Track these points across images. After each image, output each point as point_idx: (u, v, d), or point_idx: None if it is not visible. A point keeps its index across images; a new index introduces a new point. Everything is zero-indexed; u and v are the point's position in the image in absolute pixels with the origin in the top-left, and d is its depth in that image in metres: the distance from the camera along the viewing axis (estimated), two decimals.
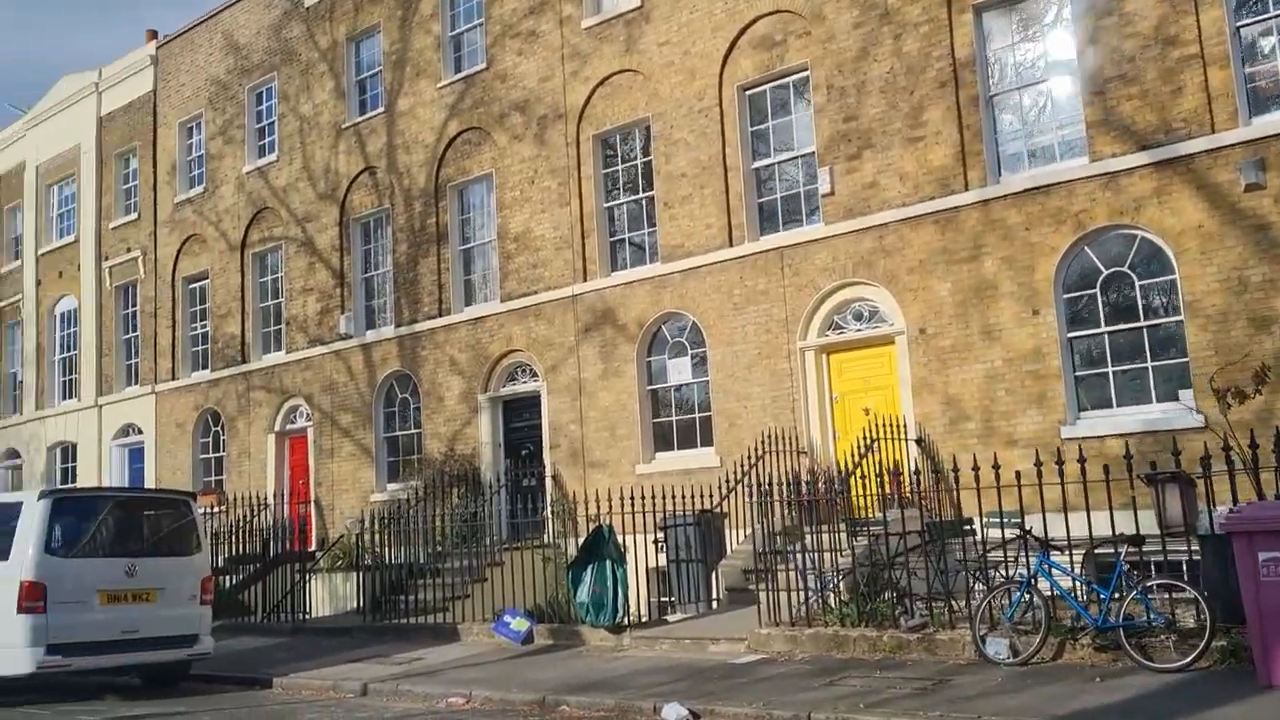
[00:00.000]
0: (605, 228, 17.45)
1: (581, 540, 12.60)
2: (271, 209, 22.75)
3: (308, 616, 16.50)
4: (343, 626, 15.44)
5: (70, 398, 27.76)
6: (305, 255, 21.86)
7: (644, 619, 13.17)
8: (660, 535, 13.05)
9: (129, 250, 26.06)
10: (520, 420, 18.37)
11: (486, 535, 16.52)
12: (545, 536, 16.09)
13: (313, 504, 21.01)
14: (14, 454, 29.17)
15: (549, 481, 17.28)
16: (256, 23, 23.48)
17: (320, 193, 21.68)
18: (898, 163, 14.10)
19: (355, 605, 16.56)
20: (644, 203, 17.01)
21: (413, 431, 19.81)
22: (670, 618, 13.00)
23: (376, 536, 16.05)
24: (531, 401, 18.09)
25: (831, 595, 10.88)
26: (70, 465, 27.29)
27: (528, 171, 18.22)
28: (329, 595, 17.40)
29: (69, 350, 28.09)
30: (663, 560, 13.41)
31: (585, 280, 17.27)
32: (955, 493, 10.46)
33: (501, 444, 18.45)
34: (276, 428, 22.18)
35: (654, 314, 16.42)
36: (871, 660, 9.64)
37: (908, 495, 12.05)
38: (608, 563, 11.97)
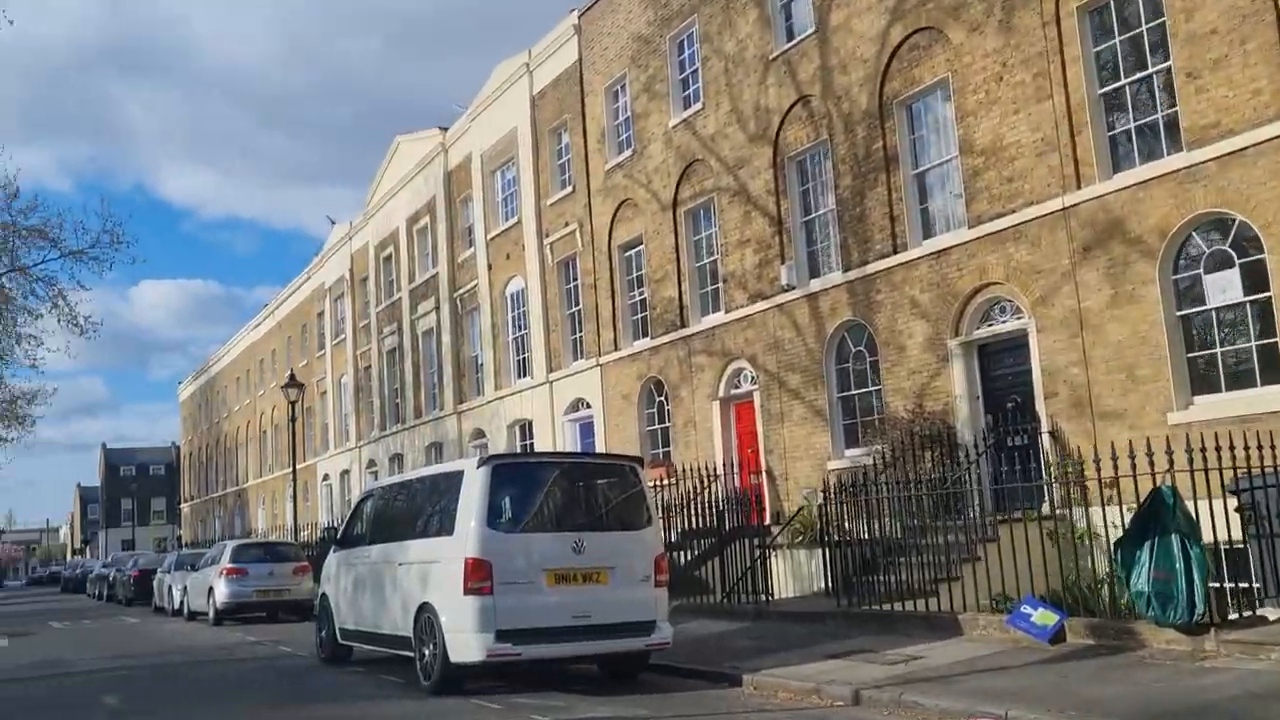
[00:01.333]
0: (1101, 119, 13.90)
1: (1133, 510, 9.46)
2: (700, 161, 21.28)
3: (770, 598, 14.63)
4: (812, 611, 13.36)
5: (524, 376, 28.31)
6: (739, 205, 20.13)
7: (1229, 616, 9.72)
8: (1240, 498, 9.55)
9: (566, 225, 25.91)
10: (1002, 367, 15.31)
11: (969, 505, 13.71)
12: (1045, 506, 13.00)
13: (764, 474, 19.26)
14: (480, 434, 30.39)
15: (1045, 439, 14.10)
16: None
17: (750, 134, 19.83)
18: None
19: (821, 586, 14.48)
20: (1154, 79, 13.30)
21: (870, 389, 17.37)
22: (1270, 614, 9.47)
23: (841, 508, 13.84)
24: (1014, 343, 14.97)
25: None
26: (528, 443, 27.80)
27: (993, 68, 15.07)
28: (791, 574, 15.44)
29: (520, 330, 28.68)
30: (1223, 534, 9.91)
31: (1079, 187, 13.85)
32: None
33: (980, 396, 15.48)
34: (720, 393, 20.69)
35: (1180, 218, 12.69)
36: None
37: None
38: (1173, 538, 8.78)
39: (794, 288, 18.70)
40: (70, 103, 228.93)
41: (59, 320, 32.47)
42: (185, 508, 75.76)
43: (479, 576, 9.62)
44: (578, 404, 25.69)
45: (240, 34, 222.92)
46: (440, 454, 32.50)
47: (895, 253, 16.67)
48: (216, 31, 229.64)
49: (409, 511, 11.61)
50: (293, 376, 29.81)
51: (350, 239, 41.85)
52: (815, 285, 18.35)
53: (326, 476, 45.20)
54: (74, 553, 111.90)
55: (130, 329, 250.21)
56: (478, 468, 10.07)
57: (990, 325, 15.33)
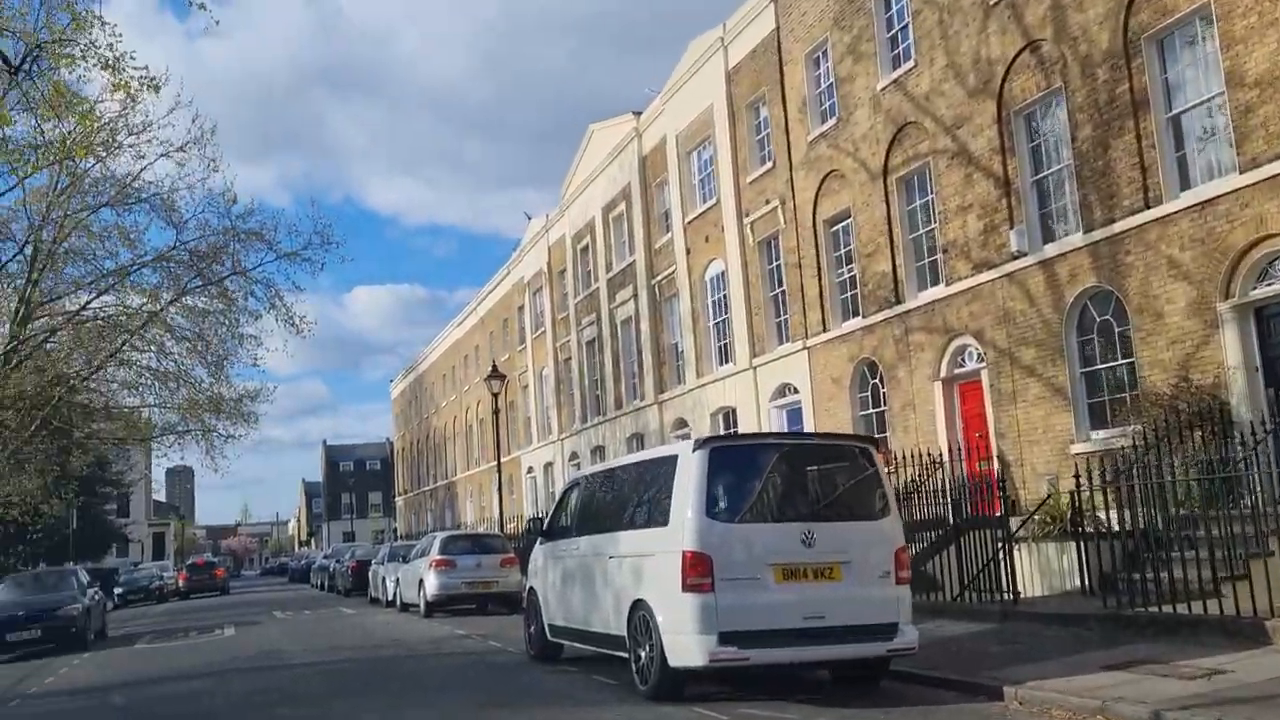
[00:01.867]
0: None
1: None
2: (913, 123, 19.69)
3: (1016, 596, 13.07)
4: (1069, 612, 11.76)
5: (726, 362, 27.31)
6: (959, 168, 18.46)
7: None
8: None
9: (767, 202, 24.73)
10: None
11: (1249, 493, 11.78)
12: None
13: (994, 459, 17.55)
14: (682, 424, 29.58)
15: None
16: None
17: (970, 89, 18.13)
18: None
19: (1075, 583, 12.84)
20: None
21: (1120, 363, 15.46)
22: None
23: (1094, 497, 12.18)
24: None
25: None
26: (732, 431, 26.77)
27: None
28: (1038, 570, 13.81)
29: (721, 314, 27.69)
30: None
31: None
32: None
33: (1259, 367, 13.42)
34: (942, 373, 19.08)
35: None
36: None
37: None
38: None
39: (1025, 254, 16.93)
40: (287, 122, 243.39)
41: (277, 320, 33.79)
42: (399, 501, 78.66)
43: (698, 572, 8.64)
44: (784, 389, 24.48)
45: (438, 49, 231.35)
46: (641, 445, 31.90)
47: (1148, 207, 14.72)
48: (417, 49, 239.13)
49: (618, 501, 10.76)
50: (495, 368, 29.82)
51: (547, 232, 41.92)
52: (1050, 250, 16.54)
53: (530, 469, 45.57)
54: (300, 544, 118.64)
55: (346, 333, 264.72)
56: (693, 451, 9.09)
57: (1270, 284, 13.25)
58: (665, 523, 9.15)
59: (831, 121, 22.26)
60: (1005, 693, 8.59)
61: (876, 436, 20.81)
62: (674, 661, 8.83)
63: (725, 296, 27.23)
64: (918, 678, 9.65)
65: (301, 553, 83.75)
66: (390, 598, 25.20)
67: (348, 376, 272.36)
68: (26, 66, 17.22)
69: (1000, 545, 13.53)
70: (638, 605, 9.48)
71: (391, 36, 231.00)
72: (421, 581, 21.36)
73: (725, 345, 27.49)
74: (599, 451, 36.27)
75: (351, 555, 35.31)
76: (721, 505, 8.96)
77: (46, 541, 46.27)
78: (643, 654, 9.36)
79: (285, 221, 34.48)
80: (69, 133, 31.54)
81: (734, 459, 9.30)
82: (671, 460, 9.41)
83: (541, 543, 12.76)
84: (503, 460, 48.46)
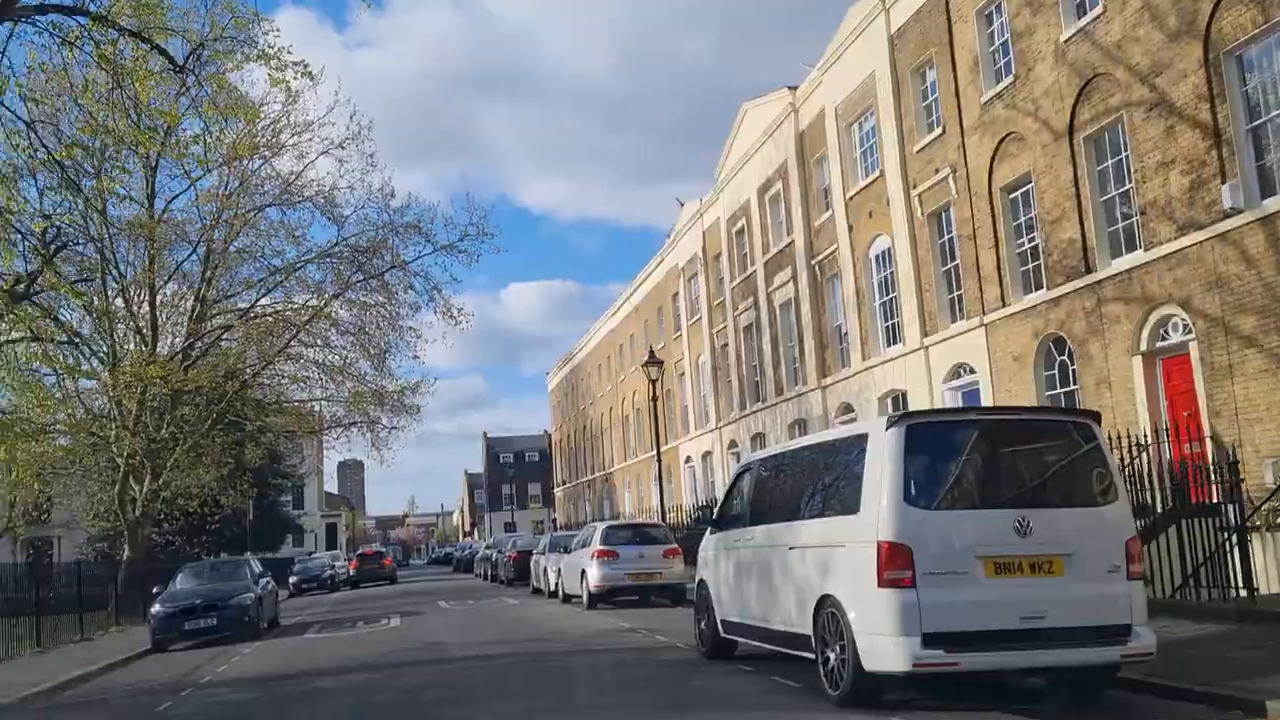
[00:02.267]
0: None
1: None
2: (1103, 74, 17.99)
3: (1254, 593, 11.54)
4: None
5: (895, 343, 25.93)
6: (1158, 119, 16.72)
7: None
8: None
9: (936, 171, 23.24)
10: None
11: None
12: None
13: (1207, 441, 15.81)
14: (847, 409, 28.32)
15: None
16: None
17: (1170, 31, 16.37)
18: None
19: None
20: None
21: None
22: None
23: None
24: None
25: None
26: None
27: None
28: (1274, 562, 12.20)
29: (888, 293, 26.31)
30: None
31: None
32: None
33: None
34: (1142, 347, 17.37)
35: None
36: None
37: None
38: None
39: (1240, 211, 15.16)
40: (439, 126, 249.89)
41: (435, 312, 34.09)
42: (558, 492, 79.33)
43: (897, 565, 7.64)
44: (959, 370, 23.00)
45: (582, 48, 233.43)
46: (803, 431, 30.75)
47: None
48: (562, 49, 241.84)
49: (798, 486, 9.81)
50: (652, 354, 29.17)
51: (701, 216, 41.08)
52: (1271, 205, 14.75)
53: (688, 459, 44.89)
54: (464, 534, 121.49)
55: (502, 328, 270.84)
56: (888, 429, 8.07)
57: None
58: (856, 510, 8.17)
59: (1007, 80, 20.68)
60: (1269, 708, 7.29)
61: None
62: (870, 665, 7.86)
63: (892, 274, 25.85)
64: (1149, 686, 8.40)
65: (465, 543, 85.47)
66: (552, 588, 24.85)
67: (505, 371, 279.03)
68: (191, 65, 17.45)
69: (1226, 536, 11.99)
70: (824, 602, 8.55)
71: (537, 36, 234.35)
72: (584, 572, 20.86)
73: (893, 325, 26.10)
74: (759, 439, 35.26)
75: (513, 545, 35.30)
76: (921, 490, 7.93)
77: (227, 532, 48.11)
78: (832, 656, 8.41)
79: (441, 215, 34.21)
80: (237, 133, 32.45)
81: (934, 437, 8.23)
82: (861, 440, 8.42)
83: (712, 532, 11.92)
84: (660, 450, 48.05)
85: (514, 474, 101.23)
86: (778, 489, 10.36)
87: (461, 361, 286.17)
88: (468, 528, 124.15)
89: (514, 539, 38.66)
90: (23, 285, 29.77)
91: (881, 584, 7.68)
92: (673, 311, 46.12)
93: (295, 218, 33.38)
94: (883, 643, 7.71)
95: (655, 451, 31.44)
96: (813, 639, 8.77)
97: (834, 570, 8.45)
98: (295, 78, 16.81)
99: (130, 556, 31.38)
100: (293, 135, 32.64)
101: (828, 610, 8.49)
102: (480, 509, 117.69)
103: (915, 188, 24.19)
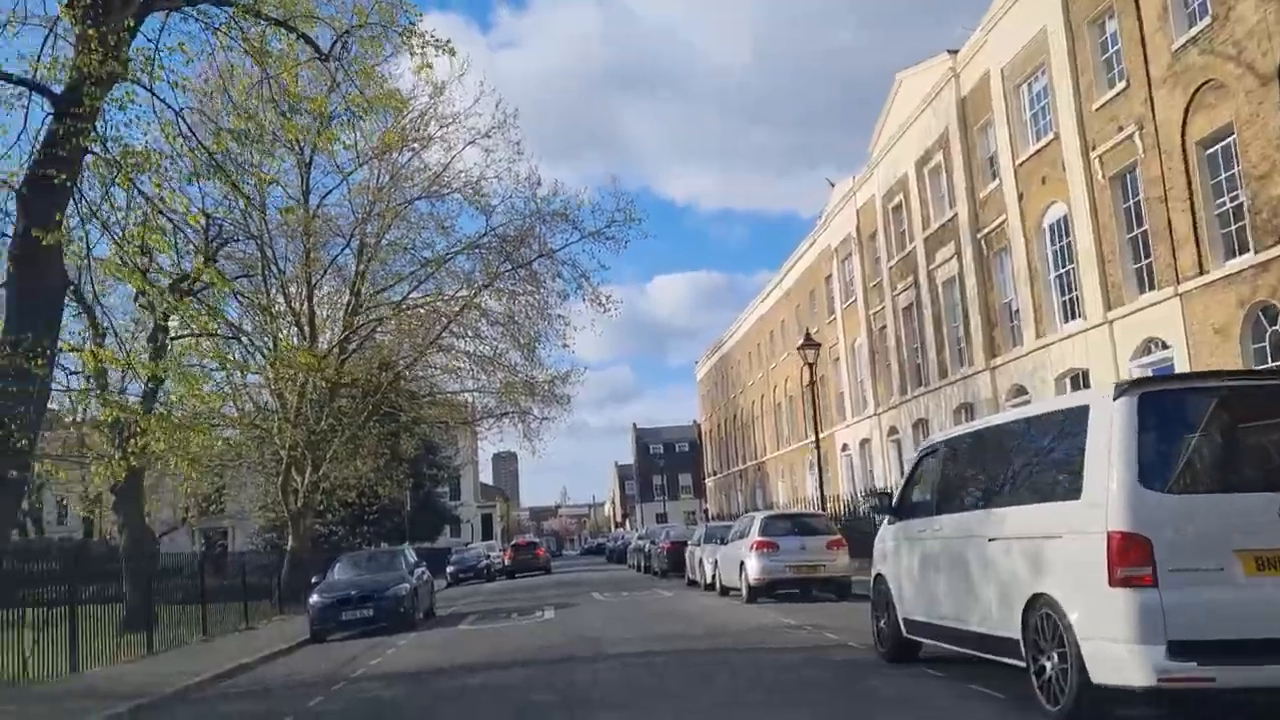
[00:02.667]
0: None
1: None
2: None
3: None
4: None
5: (1073, 318, 24.04)
6: None
7: None
8: None
9: (1120, 129, 21.31)
10: None
11: None
12: None
13: None
14: (1020, 391, 26.51)
15: None
16: None
17: None
18: None
19: None
20: None
21: None
22: None
23: None
24: None
25: None
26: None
27: None
28: None
29: (1064, 264, 24.42)
30: None
31: None
32: None
33: None
34: None
35: None
36: None
37: None
38: None
39: None
40: (583, 124, 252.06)
41: (584, 300, 33.67)
42: (709, 482, 78.51)
43: (1134, 560, 6.40)
44: (1149, 345, 21.07)
45: (723, 42, 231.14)
46: (970, 416, 28.99)
47: None
48: (703, 43, 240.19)
49: (998, 468, 8.59)
50: (809, 336, 27.89)
51: (854, 194, 39.48)
52: None
53: (845, 447, 43.34)
54: (616, 525, 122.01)
55: (649, 320, 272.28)
56: (1116, 399, 6.81)
57: None
58: (1076, 494, 6.94)
59: (1203, 23, 18.72)
60: None
61: None
62: (1099, 678, 6.63)
63: (1069, 244, 23.96)
64: None
65: (617, 533, 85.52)
66: (709, 580, 23.97)
67: (652, 362, 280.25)
68: (337, 54, 17.21)
69: None
70: (1037, 602, 7.36)
71: (677, 31, 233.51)
72: (742, 564, 19.88)
73: (1071, 299, 24.21)
74: (921, 425, 33.58)
75: (666, 536, 34.58)
76: (1158, 470, 6.64)
77: (386, 522, 49.02)
78: (1048, 665, 7.21)
79: (588, 202, 33.67)
80: (386, 127, 32.65)
81: (1171, 407, 6.91)
82: (1080, 413, 7.17)
83: (890, 522, 10.77)
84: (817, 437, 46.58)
85: (664, 465, 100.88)
86: (972, 473, 9.16)
87: (609, 354, 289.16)
88: (619, 519, 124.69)
89: (667, 530, 37.96)
90: (187, 282, 30.61)
91: (1114, 582, 6.45)
92: (826, 295, 44.59)
93: (444, 209, 33.57)
94: (1115, 651, 6.49)
95: (814, 439, 30.17)
96: (1021, 644, 7.58)
97: (1048, 565, 7.24)
98: (437, 54, 16.48)
99: (293, 546, 31.99)
100: (440, 127, 32.73)
101: (1041, 611, 7.29)
102: (631, 500, 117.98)
103: (1095, 149, 22.29)
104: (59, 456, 31.81)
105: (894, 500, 10.89)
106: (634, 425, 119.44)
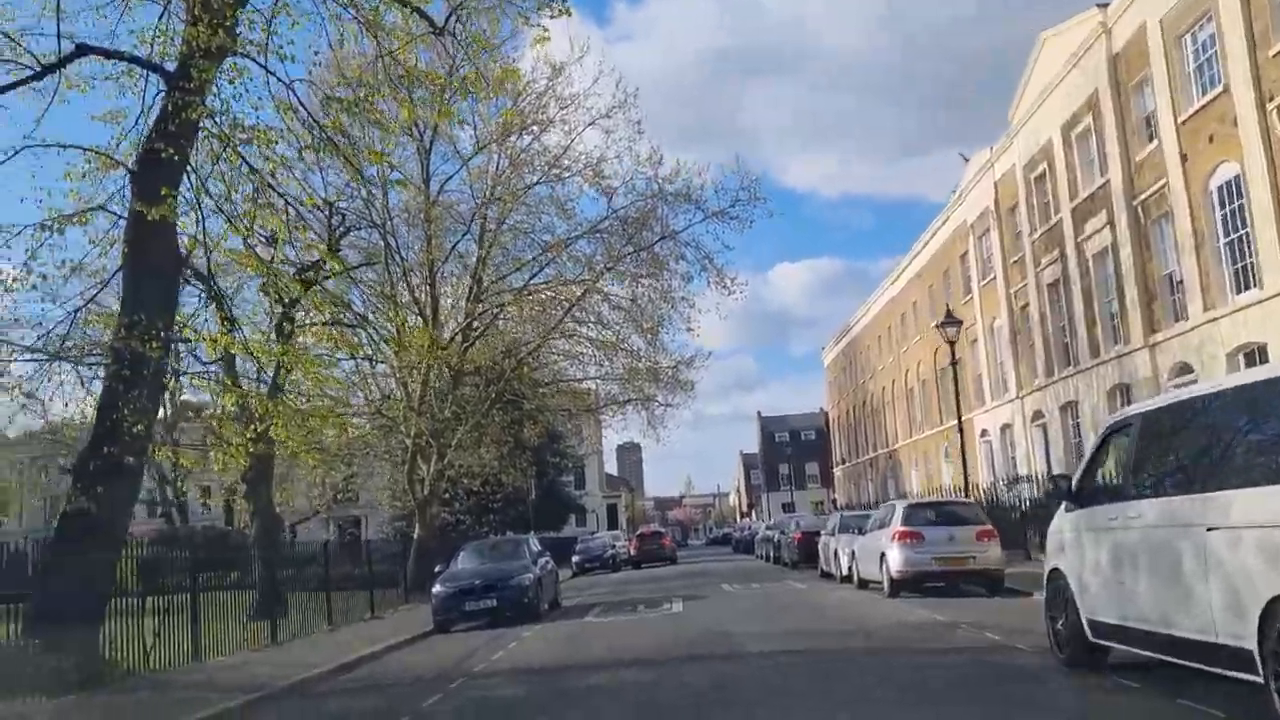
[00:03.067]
0: None
1: None
2: None
3: None
4: None
5: (1248, 288, 21.91)
6: None
7: None
8: None
9: None
10: None
11: None
12: None
13: None
14: (1185, 369, 24.40)
15: None
16: None
17: None
18: None
19: None
20: None
21: None
22: None
23: None
24: None
25: None
26: None
27: None
28: None
29: (1236, 229, 22.27)
30: None
31: None
32: None
33: None
34: None
35: None
36: None
37: None
38: None
39: None
40: (702, 112, 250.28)
41: (709, 283, 32.64)
42: (837, 471, 76.60)
43: None
44: None
45: (842, 21, 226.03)
46: (1128, 397, 26.94)
47: None
48: (820, 24, 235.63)
49: (1217, 445, 7.20)
50: (949, 313, 26.22)
51: (992, 166, 37.38)
52: None
53: (984, 432, 41.25)
54: (741, 515, 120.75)
55: (771, 309, 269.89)
56: None
57: None
58: None
59: None
60: None
61: None
62: None
63: (1241, 206, 21.84)
64: None
65: (743, 523, 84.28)
66: (844, 572, 22.68)
67: (774, 350, 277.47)
68: (451, 27, 16.54)
69: None
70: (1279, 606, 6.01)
71: (795, 14, 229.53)
72: (883, 556, 18.55)
73: (1245, 267, 22.09)
74: (1070, 408, 31.52)
75: (796, 526, 33.30)
76: None
77: (511, 511, 48.93)
78: None
79: (711, 182, 32.57)
80: (504, 110, 32.11)
81: None
82: None
83: (1068, 509, 9.41)
84: (952, 423, 44.53)
85: (790, 453, 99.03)
86: (1181, 450, 7.76)
87: (731, 343, 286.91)
88: (744, 508, 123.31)
89: (797, 519, 36.64)
90: (312, 271, 30.60)
91: None
92: (961, 273, 42.49)
93: (564, 192, 32.81)
94: None
95: (954, 421, 28.30)
96: (1258, 657, 6.24)
97: None
98: (552, 16, 15.70)
99: (420, 535, 31.84)
100: (560, 108, 32.09)
101: None
102: (757, 489, 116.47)
103: (1272, 100, 20.17)
104: (188, 445, 32.38)
105: (1073, 484, 9.51)
106: (759, 414, 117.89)
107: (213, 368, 27.72)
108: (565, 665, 12.59)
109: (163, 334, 13.57)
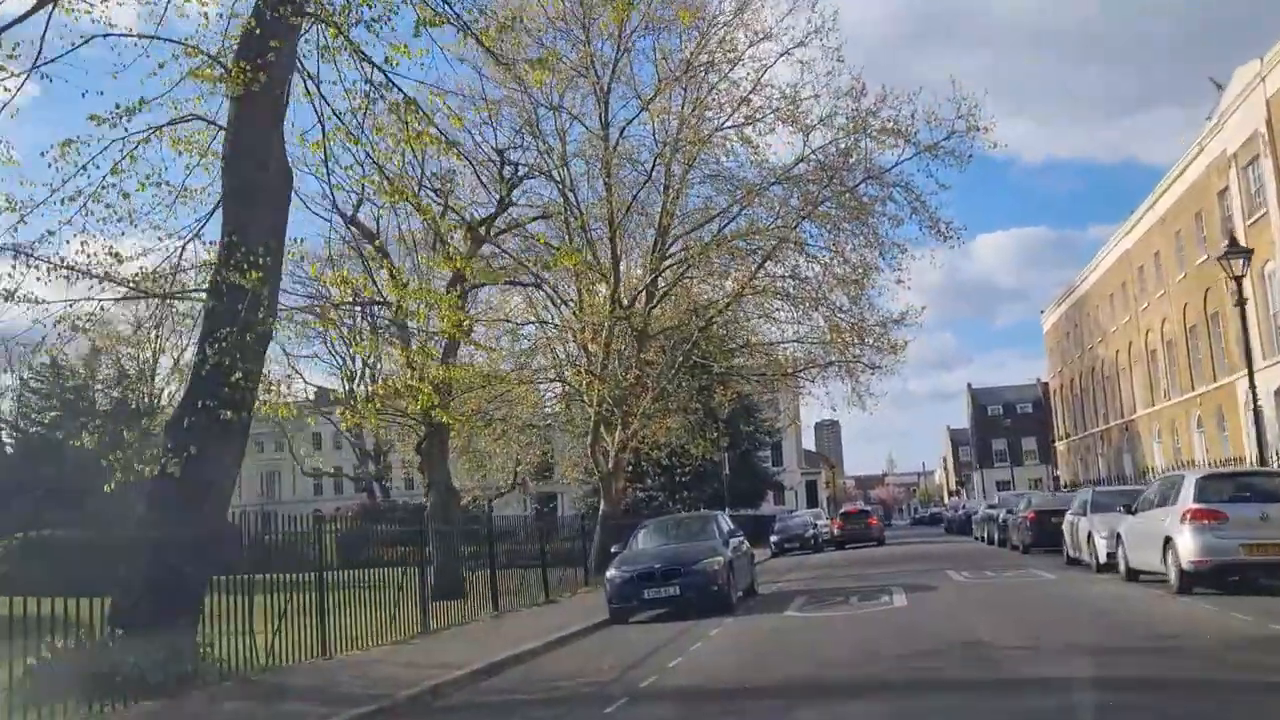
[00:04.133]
0: None
1: None
2: None
3: None
4: None
5: None
6: None
7: None
8: None
9: None
10: None
11: None
12: None
13: None
14: None
15: None
16: None
17: None
18: None
19: None
20: None
21: None
22: None
23: None
24: None
25: None
26: None
27: None
28: None
29: None
30: None
31: None
32: None
33: None
34: None
35: None
36: None
37: None
38: None
39: None
40: (890, 85, 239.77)
41: (920, 226, 28.72)
42: (1060, 445, 70.17)
43: None
44: None
45: None
46: None
47: None
48: None
49: None
50: (1233, 240, 21.35)
51: (1262, 80, 31.54)
52: None
53: (1249, 399, 35.32)
54: (950, 494, 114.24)
55: (974, 282, 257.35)
56: None
57: None
58: None
59: None
60: None
61: None
62: None
63: None
64: None
65: (955, 502, 78.76)
66: (1102, 560, 18.59)
67: (977, 324, 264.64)
68: None
69: None
70: None
71: None
72: (1168, 541, 14.47)
73: None
74: None
75: (1027, 504, 28.95)
76: None
77: (705, 487, 46.17)
78: None
79: (923, 110, 28.30)
80: (688, 45, 28.99)
81: None
82: None
83: None
84: (1209, 389, 38.73)
85: (1005, 428, 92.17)
86: None
87: (931, 319, 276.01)
88: (953, 487, 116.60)
89: (1027, 497, 32.16)
90: (484, 226, 28.26)
91: None
92: (1220, 213, 36.53)
93: (754, 132, 29.35)
94: None
95: (1248, 369, 23.00)
96: None
97: None
98: None
99: (605, 510, 29.36)
100: (749, 42, 28.74)
101: None
102: (966, 466, 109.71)
103: None
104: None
105: None
106: (969, 385, 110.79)
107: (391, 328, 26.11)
108: (760, 687, 9.40)
109: (265, 261, 11.17)
